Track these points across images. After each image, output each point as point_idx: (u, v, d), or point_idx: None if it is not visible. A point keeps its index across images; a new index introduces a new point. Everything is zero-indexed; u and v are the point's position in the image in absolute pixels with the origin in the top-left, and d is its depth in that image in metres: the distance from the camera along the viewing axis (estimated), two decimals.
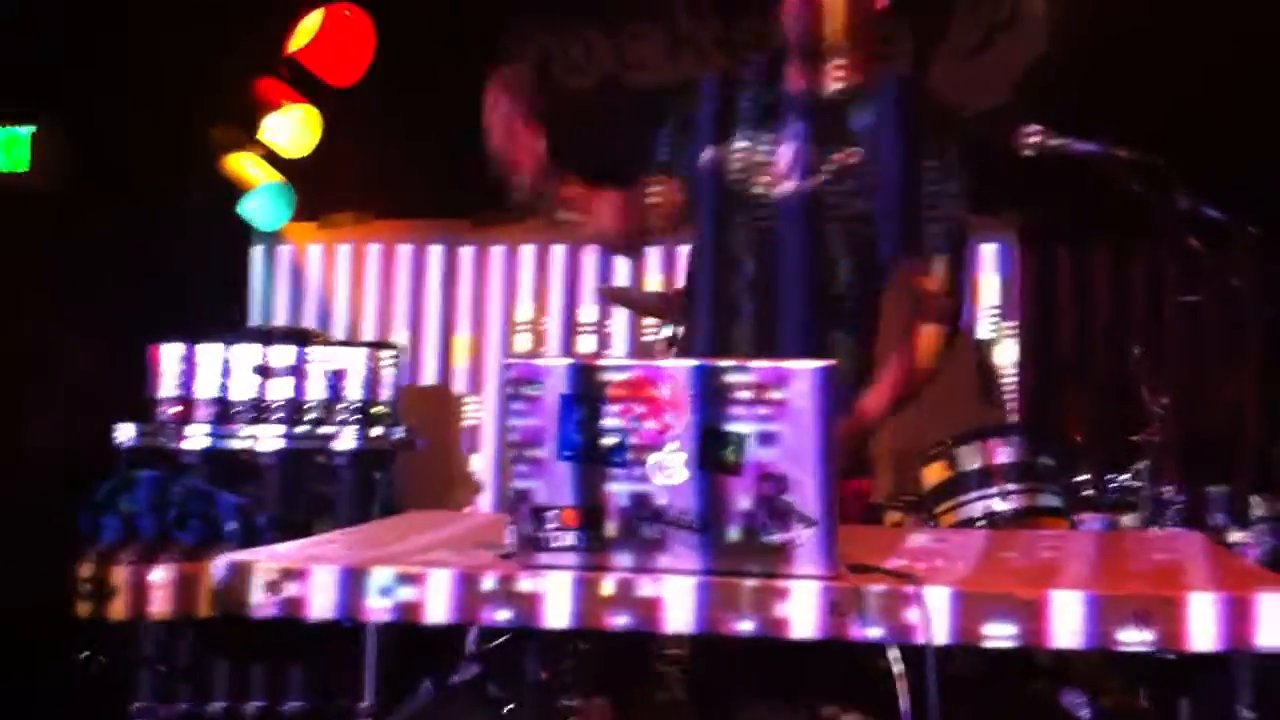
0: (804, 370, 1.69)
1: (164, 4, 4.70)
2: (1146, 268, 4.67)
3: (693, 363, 1.74)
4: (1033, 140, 2.75)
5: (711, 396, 1.72)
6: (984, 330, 4.98)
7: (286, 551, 2.00)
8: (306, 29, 4.88)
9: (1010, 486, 3.35)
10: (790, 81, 2.61)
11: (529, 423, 1.78)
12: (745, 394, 1.71)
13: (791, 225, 2.53)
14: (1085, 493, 3.56)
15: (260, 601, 1.83)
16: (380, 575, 1.80)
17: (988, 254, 5.06)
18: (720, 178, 2.59)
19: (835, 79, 2.58)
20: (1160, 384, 3.45)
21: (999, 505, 3.34)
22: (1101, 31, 4.66)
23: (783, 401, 1.69)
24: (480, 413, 5.39)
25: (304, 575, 1.82)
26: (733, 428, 1.71)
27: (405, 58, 4.96)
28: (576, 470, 1.77)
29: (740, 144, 2.60)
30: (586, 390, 1.76)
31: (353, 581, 1.80)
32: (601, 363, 1.78)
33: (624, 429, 1.75)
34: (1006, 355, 4.87)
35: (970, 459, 3.44)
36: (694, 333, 2.65)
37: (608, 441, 1.76)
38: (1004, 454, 3.41)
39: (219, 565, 1.84)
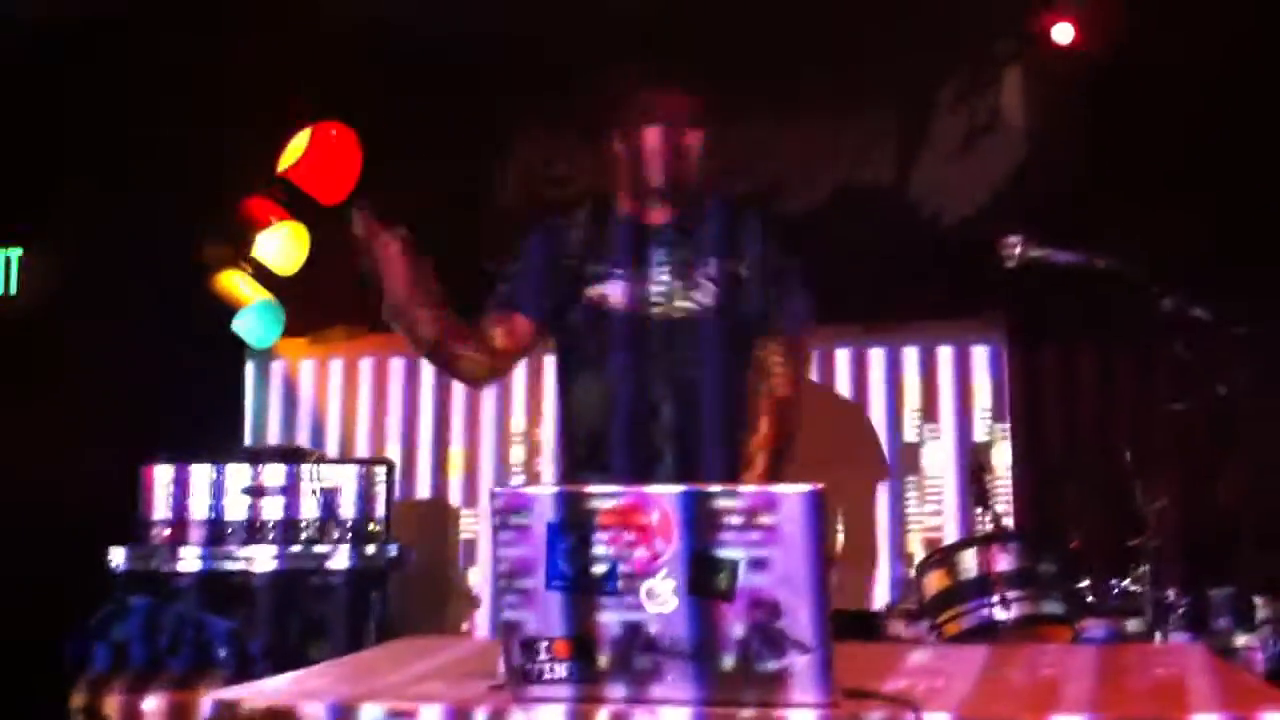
0: (793, 494, 1.67)
1: (155, 124, 4.76)
2: (1135, 368, 4.68)
3: (681, 488, 1.72)
4: (1014, 251, 2.78)
5: (701, 522, 1.70)
6: (978, 434, 4.97)
7: (276, 686, 1.96)
8: (294, 148, 4.94)
9: (1011, 594, 3.31)
10: (648, 216, 2.95)
11: (517, 552, 1.77)
12: (735, 519, 1.69)
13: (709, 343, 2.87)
14: (1087, 599, 3.52)
15: None
16: (370, 712, 1.76)
17: (978, 356, 5.06)
18: (629, 308, 2.87)
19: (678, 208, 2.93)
20: (1154, 486, 3.43)
21: (1001, 614, 3.30)
22: (1082, 135, 4.72)
23: (773, 526, 1.68)
24: (476, 526, 5.35)
25: (293, 714, 1.78)
26: (723, 553, 1.69)
27: (391, 173, 5.00)
28: (567, 600, 1.75)
29: (632, 275, 2.88)
30: (575, 518, 1.75)
31: (342, 718, 1.77)
32: (589, 490, 1.76)
33: (614, 556, 1.73)
34: (1000, 458, 4.85)
35: (970, 566, 3.41)
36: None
37: (598, 570, 1.74)
38: (1004, 561, 3.38)
39: (205, 705, 1.81)
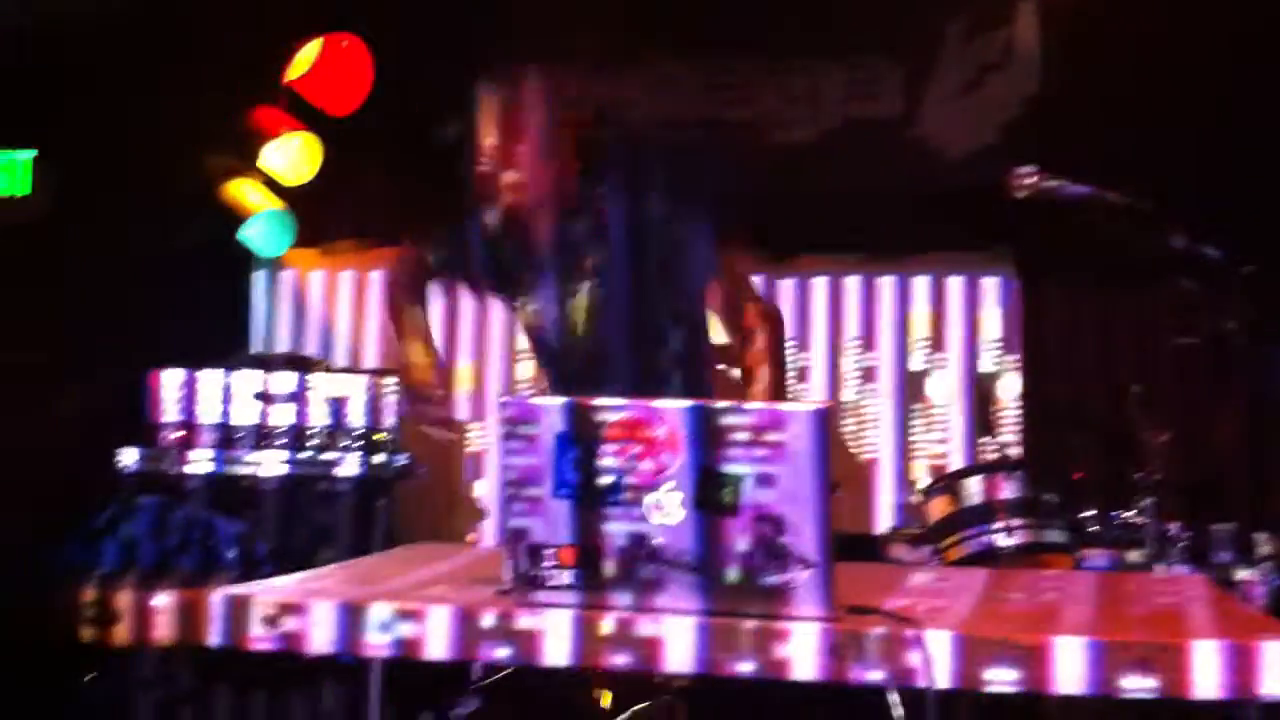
0: (800, 412, 1.68)
1: (163, 35, 4.72)
2: (1142, 303, 4.67)
3: (689, 403, 1.73)
4: (1027, 183, 2.76)
5: (708, 437, 1.71)
6: (985, 365, 4.97)
7: (285, 585, 1.99)
8: (304, 59, 4.89)
9: (1015, 522, 3.34)
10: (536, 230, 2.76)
11: (525, 461, 1.78)
12: (742, 435, 1.70)
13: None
14: (1090, 529, 3.54)
15: (259, 636, 1.82)
16: (379, 611, 1.79)
17: (988, 287, 5.05)
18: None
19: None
20: (1158, 422, 3.43)
21: (1003, 541, 3.33)
22: (1095, 71, 4.67)
23: (779, 443, 1.69)
24: (484, 440, 5.38)
25: (303, 610, 1.81)
26: (729, 469, 1.71)
27: (403, 84, 4.96)
28: (573, 509, 1.76)
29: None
30: (582, 430, 1.76)
31: (352, 617, 1.80)
32: (597, 402, 1.77)
33: (620, 468, 1.75)
34: (1009, 389, 4.85)
35: (974, 494, 3.42)
36: None
37: (604, 481, 1.75)
38: (1008, 489, 3.39)
39: (217, 599, 1.84)
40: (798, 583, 1.69)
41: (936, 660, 1.62)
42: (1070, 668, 1.58)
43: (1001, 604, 1.93)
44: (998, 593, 2.03)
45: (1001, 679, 1.60)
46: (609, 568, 1.76)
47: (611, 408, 1.76)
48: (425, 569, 2.18)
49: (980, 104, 4.87)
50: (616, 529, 1.75)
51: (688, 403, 1.74)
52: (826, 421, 1.69)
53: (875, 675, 1.64)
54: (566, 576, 1.77)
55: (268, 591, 1.87)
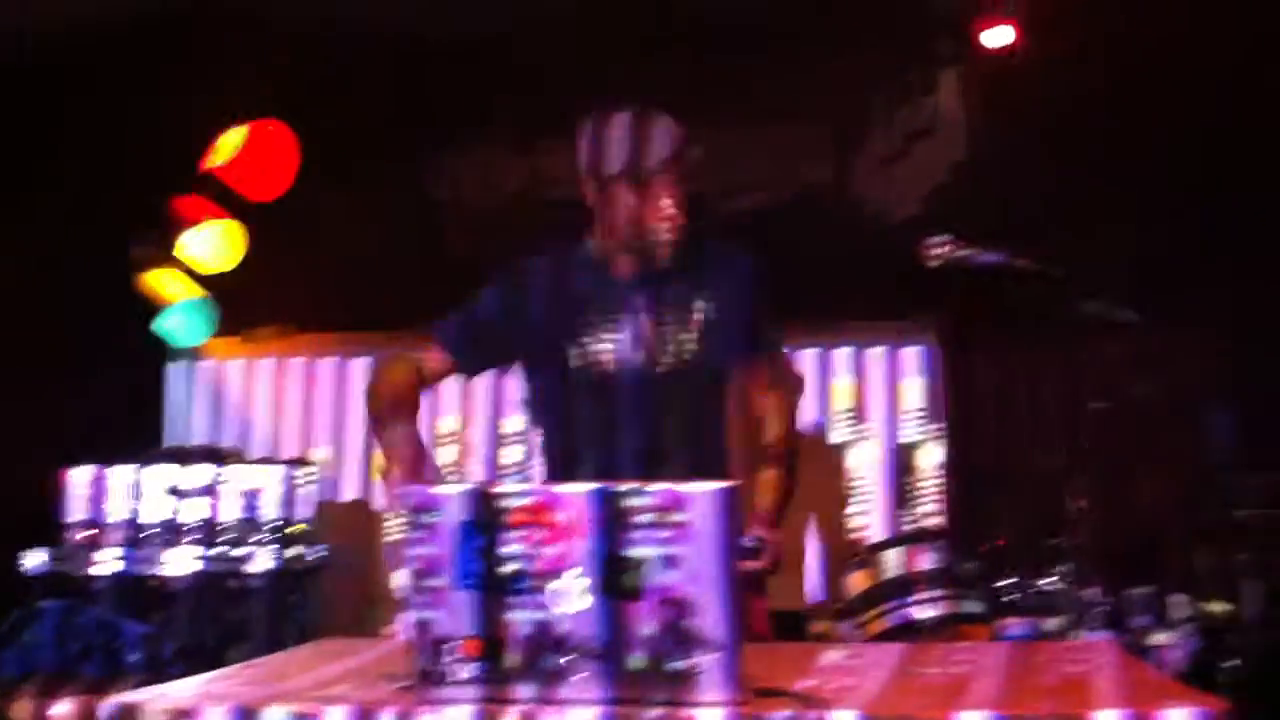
0: (704, 492, 1.67)
1: (82, 119, 4.68)
2: (1061, 371, 4.73)
3: (591, 486, 1.71)
4: (937, 251, 2.79)
5: (611, 521, 1.69)
6: (907, 435, 5.00)
7: (179, 691, 1.92)
8: (229, 145, 4.87)
9: (933, 593, 3.33)
10: (621, 267, 2.70)
11: (428, 551, 1.75)
12: (646, 517, 1.68)
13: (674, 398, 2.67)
14: (1008, 597, 3.54)
15: None
16: (273, 715, 1.73)
17: (909, 357, 5.10)
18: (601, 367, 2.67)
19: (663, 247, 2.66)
20: (1079, 487, 3.46)
21: (920, 613, 3.32)
22: (1019, 137, 4.77)
23: (684, 524, 1.67)
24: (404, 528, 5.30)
25: (194, 716, 1.75)
26: (634, 552, 1.68)
27: (328, 172, 4.96)
28: (476, 599, 1.73)
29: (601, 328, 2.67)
30: (486, 516, 1.73)
31: None
32: (500, 489, 1.75)
33: (525, 555, 1.72)
34: (930, 459, 4.88)
35: (893, 566, 3.42)
36: None
37: (508, 569, 1.72)
38: (926, 560, 3.39)
39: (105, 707, 1.77)
40: (703, 666, 1.67)
41: None
42: None
43: (913, 680, 1.91)
44: (911, 668, 2.01)
45: None
46: (513, 659, 1.72)
47: (514, 494, 1.74)
48: (332, 666, 2.13)
49: (909, 170, 4.95)
50: (521, 618, 1.72)
51: (590, 486, 1.71)
52: (732, 500, 1.67)
53: None
54: (469, 670, 1.73)
55: (159, 699, 1.81)
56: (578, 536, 1.70)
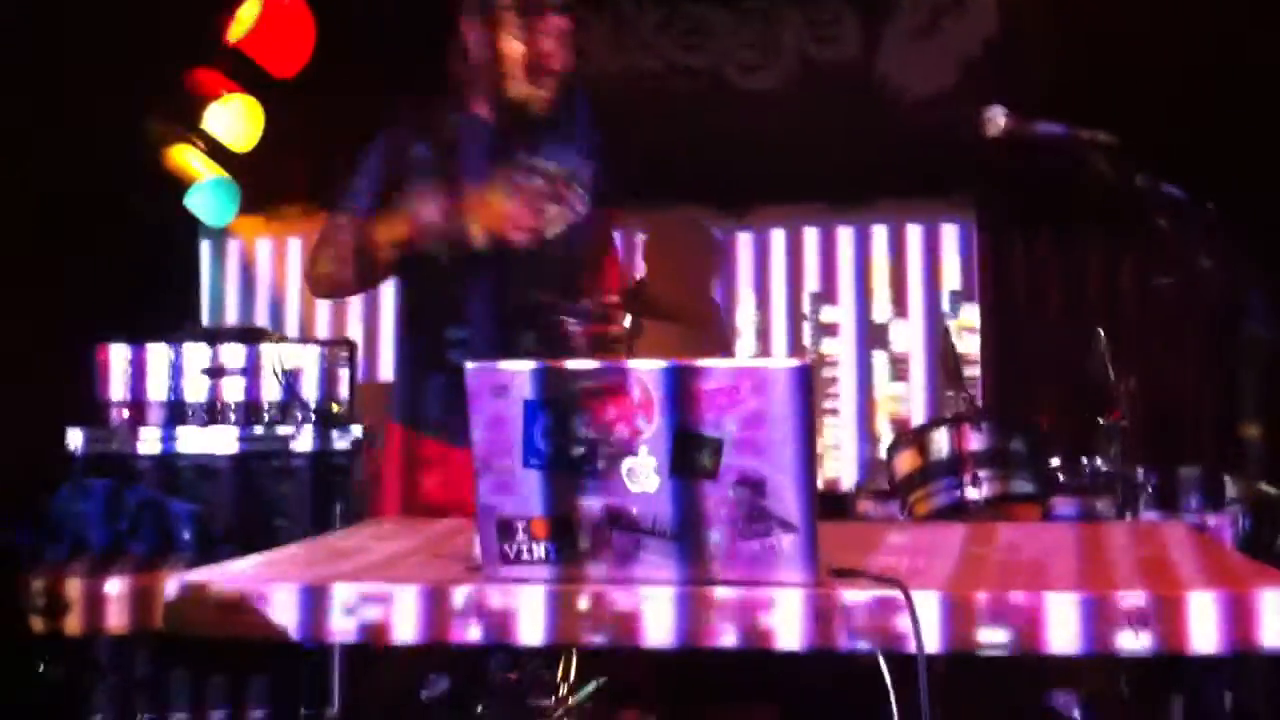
0: (780, 370, 1.62)
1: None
2: (1101, 250, 4.65)
3: (664, 363, 1.66)
4: (998, 121, 2.69)
5: (684, 399, 1.64)
6: (948, 314, 4.93)
7: (243, 569, 1.91)
8: (244, 18, 4.74)
9: (983, 473, 3.30)
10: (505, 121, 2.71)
11: (494, 431, 1.70)
12: (720, 395, 1.63)
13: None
14: (1058, 477, 3.51)
15: (217, 624, 1.74)
16: (344, 593, 1.71)
17: (948, 234, 5.00)
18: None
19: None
20: (1124, 366, 3.40)
21: (972, 492, 3.29)
22: (1051, 12, 4.62)
23: (759, 402, 1.62)
24: None
25: (262, 597, 1.73)
26: (707, 431, 1.64)
27: (347, 46, 4.83)
28: (545, 479, 1.69)
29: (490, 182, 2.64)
30: (553, 395, 1.68)
31: (314, 601, 1.72)
32: (568, 366, 1.70)
33: (593, 435, 1.67)
34: (973, 338, 4.83)
35: (941, 446, 3.38)
36: None
37: (577, 449, 1.68)
38: (975, 440, 3.35)
39: (171, 586, 1.75)
40: (781, 547, 1.63)
41: (926, 623, 1.57)
42: (1064, 626, 1.53)
43: (983, 560, 1.88)
44: (977, 548, 1.98)
45: (994, 640, 1.56)
46: (584, 540, 1.69)
47: (583, 372, 1.69)
48: (392, 544, 2.11)
49: (938, 46, 4.82)
50: (591, 498, 1.68)
51: (663, 363, 1.66)
52: (808, 378, 1.62)
53: (864, 643, 1.58)
54: (540, 550, 1.70)
55: (224, 578, 1.79)
56: (649, 415, 1.66)
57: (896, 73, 4.90)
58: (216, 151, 4.94)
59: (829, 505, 3.90)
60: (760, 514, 1.64)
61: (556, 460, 1.69)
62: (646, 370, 1.66)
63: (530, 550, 1.70)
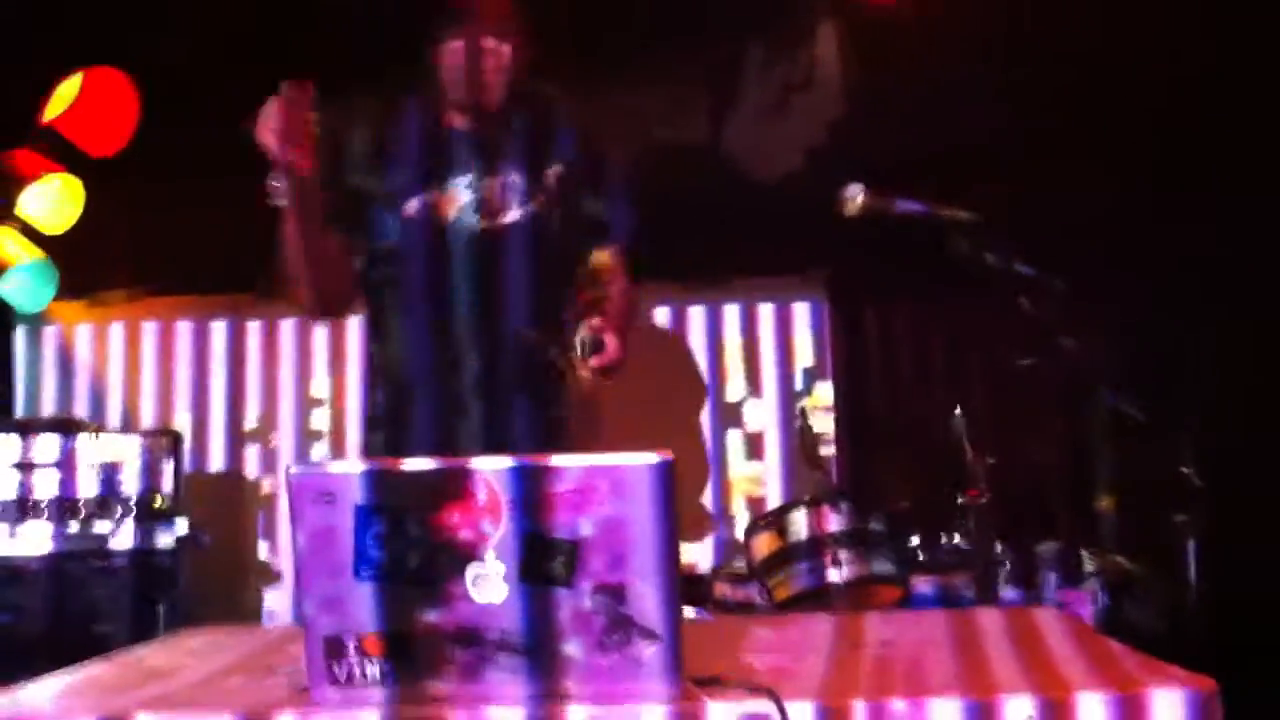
0: (639, 467, 1.48)
1: None
2: (955, 327, 4.66)
3: (510, 462, 1.51)
4: (857, 199, 2.65)
5: (534, 500, 1.50)
6: (801, 392, 4.89)
7: (32, 696, 1.68)
8: (63, 96, 4.51)
9: (843, 554, 3.21)
10: (449, 120, 2.74)
11: (320, 539, 1.53)
12: (573, 495, 1.49)
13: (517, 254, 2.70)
14: (917, 557, 3.45)
15: None
16: None
17: (800, 312, 4.98)
18: (436, 220, 2.68)
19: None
20: (981, 444, 3.37)
21: (833, 574, 3.20)
22: (897, 92, 4.65)
23: (617, 502, 1.48)
24: (276, 495, 5.03)
25: None
26: (560, 535, 1.49)
27: (172, 122, 4.61)
28: (378, 591, 1.52)
29: (449, 184, 2.68)
30: (387, 499, 1.52)
31: None
32: (403, 466, 1.54)
33: (433, 541, 1.51)
34: (826, 417, 4.78)
35: (800, 528, 3.29)
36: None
37: (415, 556, 1.52)
38: (834, 521, 3.27)
39: None
40: (642, 658, 1.49)
41: None
42: None
43: (856, 661, 1.76)
44: (847, 646, 1.86)
45: None
46: (424, 656, 1.52)
47: (420, 472, 1.53)
48: (214, 659, 1.90)
49: (786, 126, 4.81)
50: (431, 612, 1.52)
51: (508, 461, 1.51)
52: (670, 474, 1.49)
53: None
54: (373, 670, 1.53)
55: (11, 704, 1.57)
56: (497, 518, 1.51)
57: (744, 154, 4.88)
58: (33, 234, 4.66)
59: (685, 589, 3.77)
60: (620, 622, 1.49)
61: (392, 570, 1.52)
62: (492, 470, 1.51)
63: (363, 670, 1.53)
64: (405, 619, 1.52)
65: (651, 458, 1.48)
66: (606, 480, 1.48)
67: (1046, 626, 1.91)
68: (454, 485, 1.51)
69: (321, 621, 1.53)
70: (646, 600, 1.48)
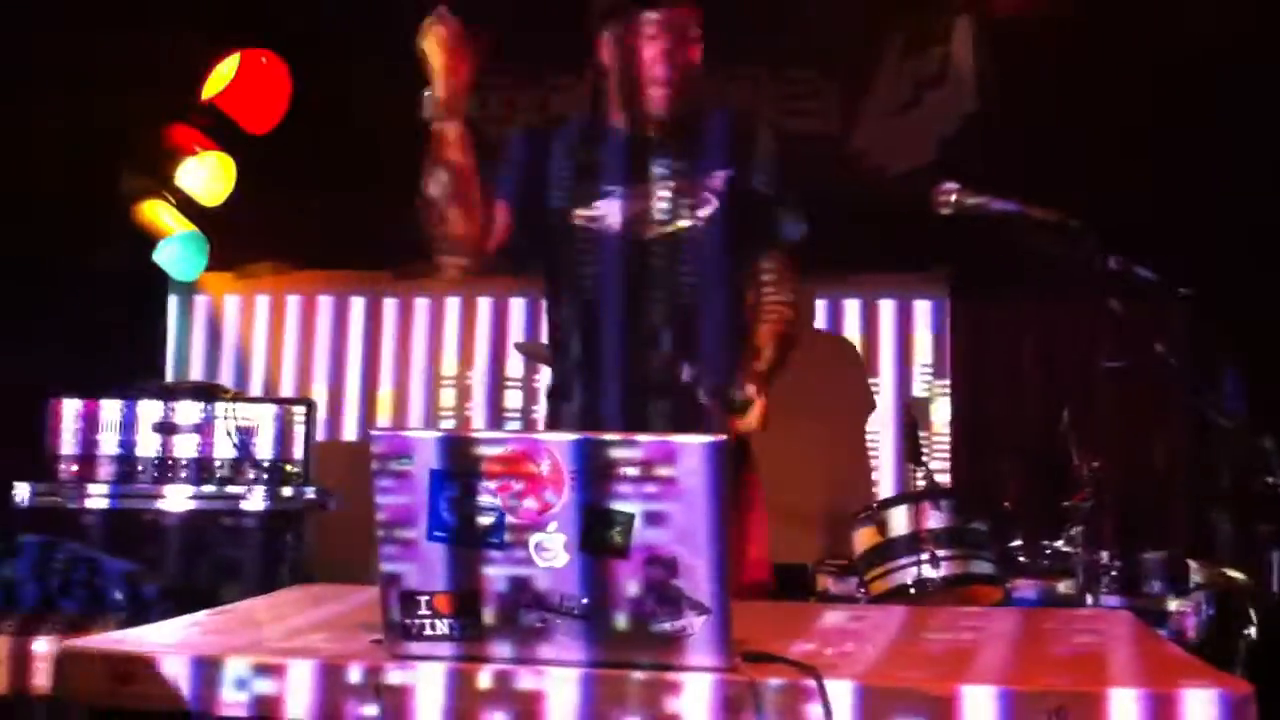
0: (693, 445, 1.55)
1: (75, 49, 4.55)
2: (1077, 326, 4.60)
3: (573, 437, 1.59)
4: (949, 198, 2.66)
5: (595, 473, 1.58)
6: (917, 389, 4.88)
7: (138, 636, 1.83)
8: (221, 75, 4.73)
9: (941, 553, 3.22)
10: (644, 128, 2.68)
11: (398, 500, 1.63)
12: (631, 470, 1.57)
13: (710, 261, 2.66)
14: (1019, 559, 3.44)
15: (105, 693, 1.66)
16: (235, 666, 1.64)
17: (920, 310, 4.96)
18: (625, 228, 2.63)
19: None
20: (1091, 447, 3.34)
21: (929, 572, 3.21)
22: (1036, 89, 4.60)
23: (672, 478, 1.56)
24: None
25: (152, 665, 1.65)
26: (618, 507, 1.57)
27: (322, 104, 4.81)
28: (449, 552, 1.62)
29: (629, 193, 2.64)
30: (460, 465, 1.62)
31: (205, 673, 1.64)
32: (476, 435, 1.63)
33: (501, 507, 1.61)
34: (939, 415, 4.77)
35: (900, 524, 3.31)
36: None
37: (483, 521, 1.61)
38: (934, 519, 3.28)
39: (55, 651, 1.68)
40: (692, 629, 1.56)
41: (839, 712, 1.49)
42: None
43: (916, 646, 1.80)
44: (914, 633, 1.91)
45: None
46: (489, 615, 1.62)
47: (491, 441, 1.63)
48: (312, 613, 2.03)
49: (918, 121, 4.80)
50: (497, 573, 1.61)
51: (573, 436, 1.60)
52: (721, 454, 1.56)
53: None
54: (442, 626, 1.63)
55: (113, 644, 1.71)
56: (558, 488, 1.59)
57: (876, 146, 4.88)
58: (187, 206, 4.91)
59: (789, 580, 3.81)
60: (671, 595, 1.57)
61: (462, 533, 1.62)
62: (556, 443, 1.60)
63: (433, 625, 1.63)
64: (473, 580, 1.62)
65: (705, 437, 1.55)
66: (663, 457, 1.55)
67: (1111, 628, 1.93)
68: (522, 456, 1.60)
69: (398, 578, 1.64)
70: (697, 574, 1.55)
